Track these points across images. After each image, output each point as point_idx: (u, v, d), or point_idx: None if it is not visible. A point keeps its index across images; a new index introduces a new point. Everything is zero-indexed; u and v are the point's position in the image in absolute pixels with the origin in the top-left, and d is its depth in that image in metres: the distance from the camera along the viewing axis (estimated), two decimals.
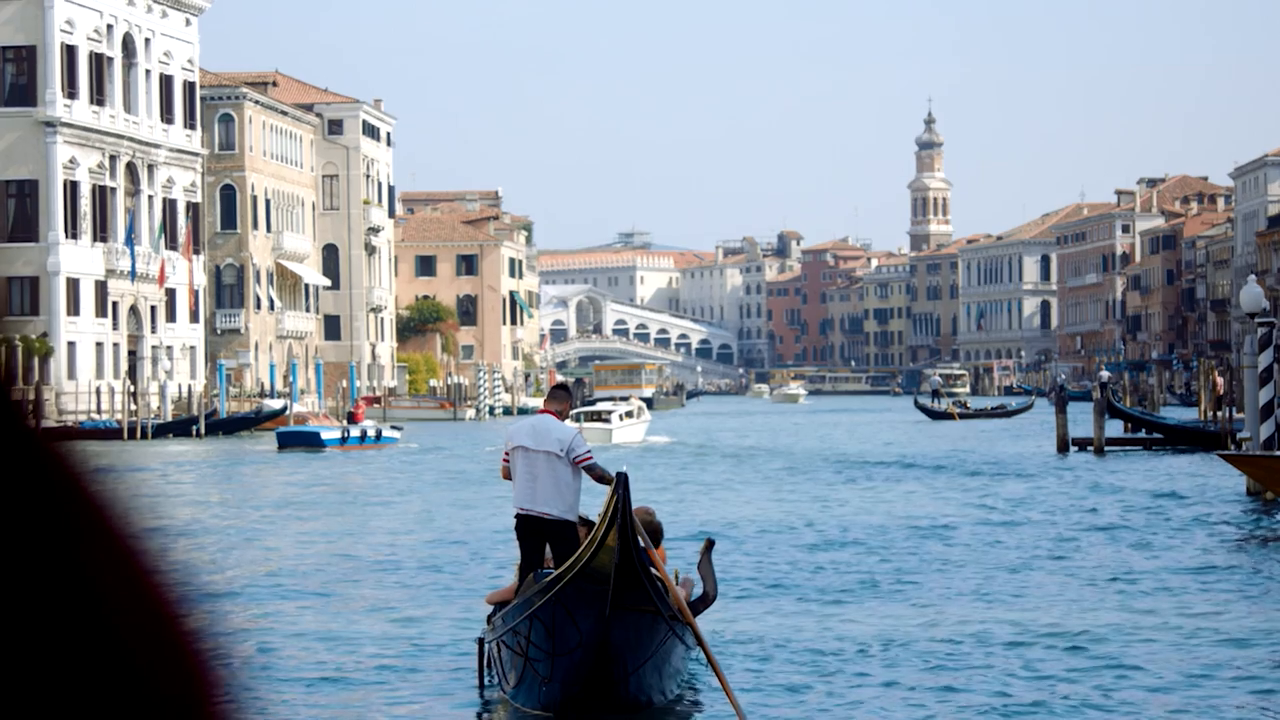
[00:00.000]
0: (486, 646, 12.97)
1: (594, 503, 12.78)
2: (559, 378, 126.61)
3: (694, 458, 51.92)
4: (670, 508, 30.44)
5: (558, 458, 12.37)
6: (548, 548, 12.53)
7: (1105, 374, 62.46)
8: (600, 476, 12.15)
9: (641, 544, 11.42)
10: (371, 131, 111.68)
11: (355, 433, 60.12)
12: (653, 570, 11.67)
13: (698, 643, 12.08)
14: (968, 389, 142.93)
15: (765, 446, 59.66)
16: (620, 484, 11.12)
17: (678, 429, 74.88)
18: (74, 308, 75.33)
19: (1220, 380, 51.67)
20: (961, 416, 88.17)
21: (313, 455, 55.10)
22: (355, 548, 25.38)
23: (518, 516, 12.59)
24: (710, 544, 13.11)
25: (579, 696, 11.70)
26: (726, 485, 39.13)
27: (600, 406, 66.24)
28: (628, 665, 11.64)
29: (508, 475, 12.69)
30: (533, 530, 12.48)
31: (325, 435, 58.70)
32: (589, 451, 12.52)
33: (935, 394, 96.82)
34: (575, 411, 60.17)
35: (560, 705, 11.81)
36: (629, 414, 63.48)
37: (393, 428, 64.72)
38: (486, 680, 13.11)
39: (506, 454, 12.69)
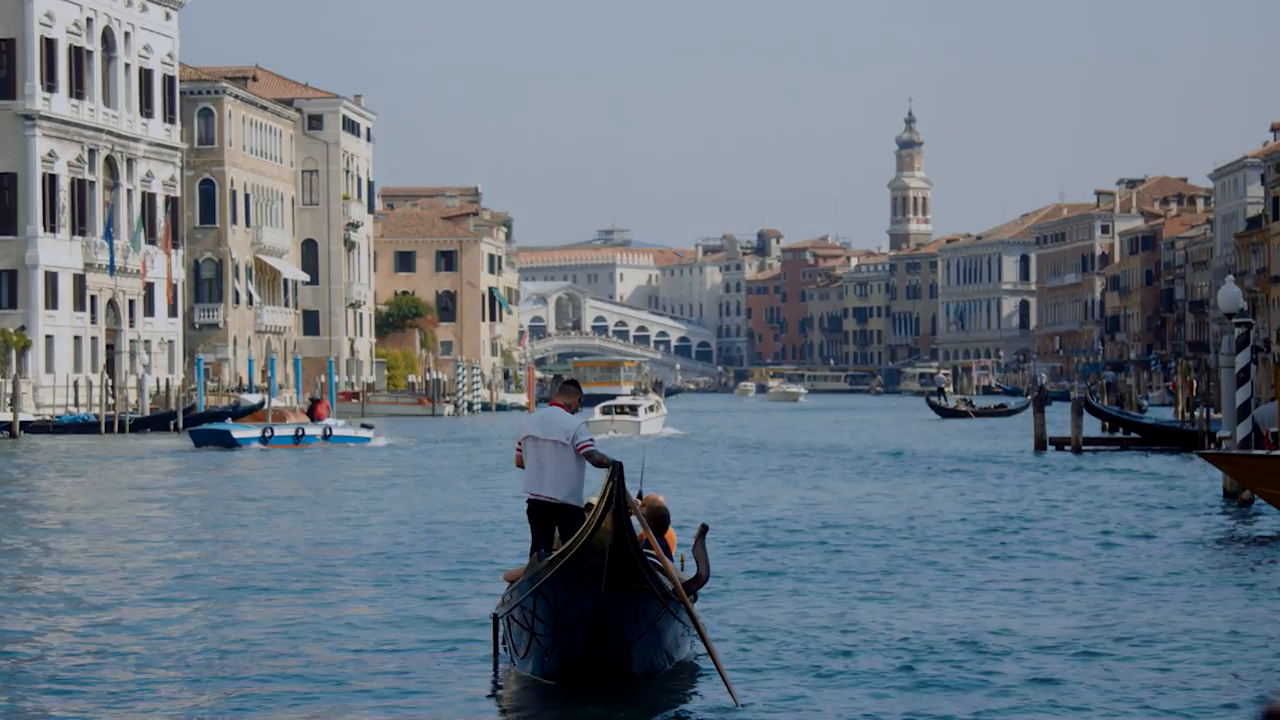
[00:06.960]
0: (501, 621, 13.51)
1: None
2: (538, 374, 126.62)
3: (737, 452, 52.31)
4: (681, 495, 30.71)
5: (564, 446, 13.23)
6: (556, 529, 13.26)
7: (1111, 374, 63.43)
8: (599, 461, 12.85)
9: (637, 528, 12.22)
10: (351, 127, 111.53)
11: (287, 432, 56.26)
12: (648, 553, 12.41)
13: (691, 621, 12.74)
14: (951, 388, 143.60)
15: (825, 445, 59.26)
16: (614, 472, 11.87)
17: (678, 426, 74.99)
18: (52, 301, 75.19)
19: (1192, 381, 52.04)
20: (976, 415, 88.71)
21: (229, 453, 52.55)
22: (364, 537, 25.48)
23: (528, 501, 13.45)
24: (704, 529, 13.86)
25: (579, 666, 12.51)
26: (770, 479, 39.33)
27: (626, 401, 72.68)
28: (623, 639, 12.43)
29: (521, 463, 13.53)
30: (541, 513, 13.34)
31: (238, 435, 55.65)
32: (590, 439, 13.28)
33: (941, 391, 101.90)
34: (606, 405, 68.78)
35: (562, 674, 12.63)
36: (651, 408, 70.57)
37: (363, 425, 60.89)
38: (501, 652, 13.60)
39: (519, 444, 13.55)
